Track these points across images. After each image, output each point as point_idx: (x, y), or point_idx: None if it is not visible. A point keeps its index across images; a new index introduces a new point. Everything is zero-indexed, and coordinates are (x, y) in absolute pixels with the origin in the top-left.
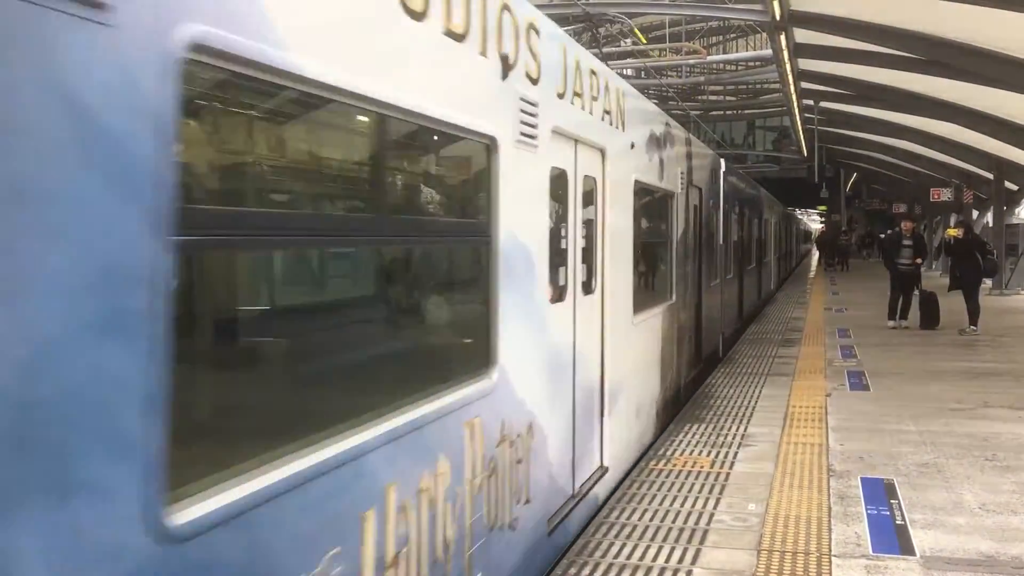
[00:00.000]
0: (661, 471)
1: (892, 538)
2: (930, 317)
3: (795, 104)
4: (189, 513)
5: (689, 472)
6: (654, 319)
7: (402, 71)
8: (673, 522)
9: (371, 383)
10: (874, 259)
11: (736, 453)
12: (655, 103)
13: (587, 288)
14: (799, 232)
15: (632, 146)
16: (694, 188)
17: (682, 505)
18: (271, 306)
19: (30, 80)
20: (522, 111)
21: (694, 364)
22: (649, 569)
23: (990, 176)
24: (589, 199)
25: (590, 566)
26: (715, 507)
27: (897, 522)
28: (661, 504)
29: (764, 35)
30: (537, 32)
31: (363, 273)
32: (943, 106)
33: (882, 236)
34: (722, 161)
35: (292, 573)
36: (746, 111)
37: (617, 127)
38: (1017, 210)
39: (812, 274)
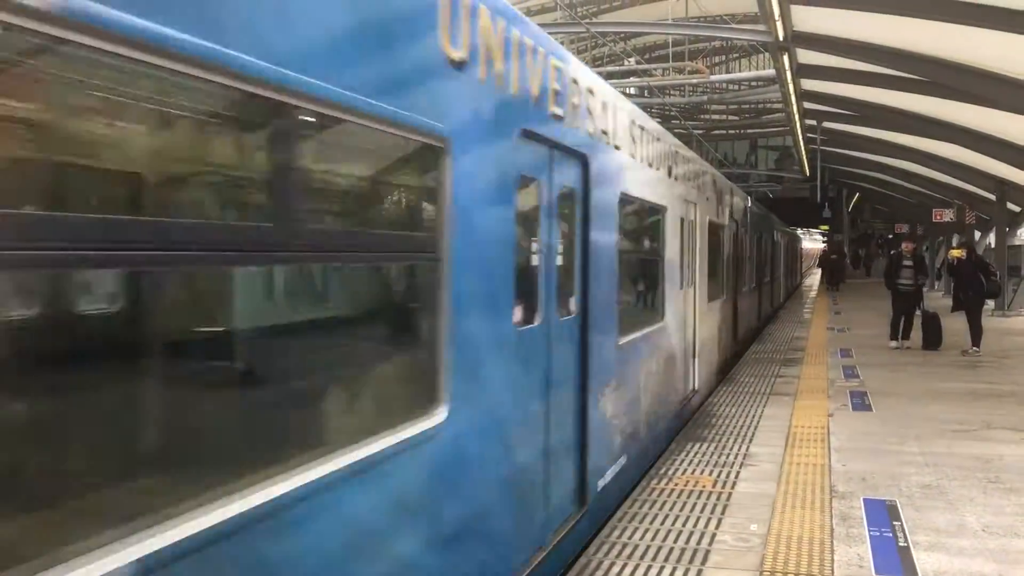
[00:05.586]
0: (663, 490)
1: (895, 560)
2: (932, 338)
3: (797, 124)
4: None
5: (691, 491)
6: (715, 306)
7: (653, 188)
8: (675, 542)
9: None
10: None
11: (738, 473)
12: (658, 121)
13: (688, 283)
14: (801, 251)
15: (708, 199)
16: (732, 221)
17: (684, 525)
18: None
19: None
20: (678, 194)
21: (734, 344)
22: None
23: (992, 197)
24: (690, 233)
25: None
26: (717, 527)
27: (900, 544)
28: (663, 524)
29: (767, 55)
30: (701, 173)
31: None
32: (945, 127)
33: (888, 245)
34: (750, 200)
35: None
36: (749, 131)
37: (704, 191)
38: (1019, 231)
39: (814, 293)
